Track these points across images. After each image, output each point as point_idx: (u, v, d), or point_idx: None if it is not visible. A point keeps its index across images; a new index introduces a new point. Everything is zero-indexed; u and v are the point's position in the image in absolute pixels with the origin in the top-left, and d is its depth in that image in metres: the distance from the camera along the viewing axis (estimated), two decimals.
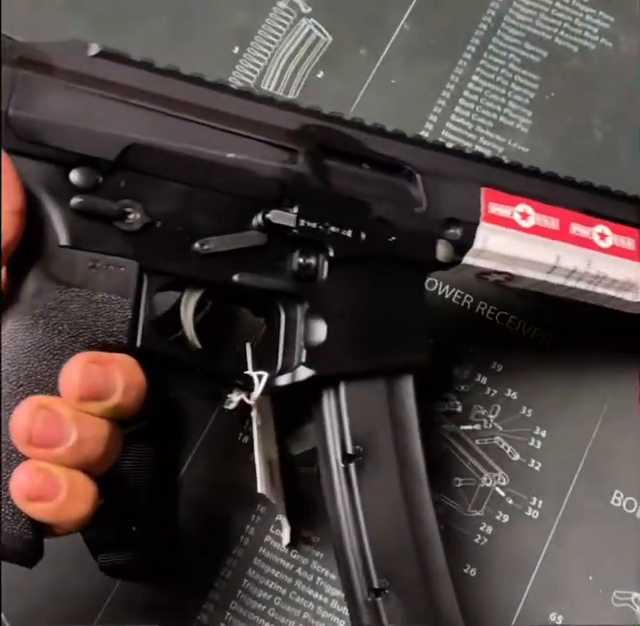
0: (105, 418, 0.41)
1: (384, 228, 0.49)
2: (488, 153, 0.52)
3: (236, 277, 0.46)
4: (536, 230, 0.52)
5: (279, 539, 0.56)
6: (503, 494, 0.58)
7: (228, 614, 0.55)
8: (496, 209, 0.51)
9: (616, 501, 0.58)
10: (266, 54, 0.69)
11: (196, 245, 0.45)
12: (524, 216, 0.52)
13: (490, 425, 0.59)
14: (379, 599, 0.46)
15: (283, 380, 0.47)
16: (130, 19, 0.68)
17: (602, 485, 0.58)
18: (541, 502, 0.57)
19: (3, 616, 0.55)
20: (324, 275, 0.48)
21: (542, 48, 0.69)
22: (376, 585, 0.46)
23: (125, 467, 0.53)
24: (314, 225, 0.47)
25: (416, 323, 0.50)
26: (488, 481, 0.58)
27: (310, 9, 0.70)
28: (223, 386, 0.48)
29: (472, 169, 0.52)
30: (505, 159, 0.54)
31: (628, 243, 0.54)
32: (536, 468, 0.58)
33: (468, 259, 0.51)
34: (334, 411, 0.48)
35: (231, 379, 0.47)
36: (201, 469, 0.58)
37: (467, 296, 0.62)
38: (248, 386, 0.47)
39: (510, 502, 0.57)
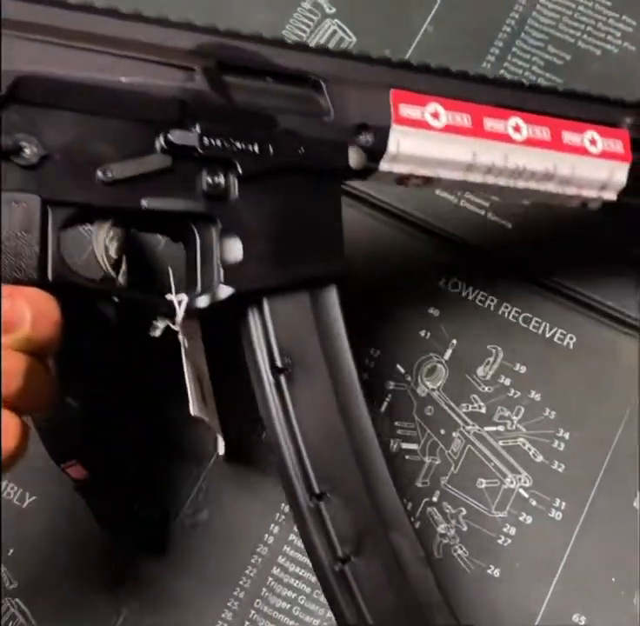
0: (21, 352, 0.41)
1: (292, 140, 0.49)
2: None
3: (144, 203, 0.45)
4: (449, 129, 0.51)
5: None
6: (526, 495, 0.58)
7: (252, 612, 0.55)
8: (407, 110, 0.51)
9: (638, 503, 0.58)
10: None
11: (99, 174, 0.44)
12: (435, 115, 0.51)
13: (514, 427, 0.59)
14: (321, 503, 0.47)
15: (202, 301, 0.47)
16: None
17: (624, 487, 0.58)
18: (564, 503, 0.58)
19: (25, 607, 0.55)
20: (235, 192, 0.47)
21: (565, 51, 0.69)
22: (316, 490, 0.47)
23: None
24: (219, 143, 0.47)
25: (332, 234, 0.50)
26: (511, 482, 0.58)
27: (334, 10, 0.70)
28: (146, 314, 0.48)
29: (379, 73, 0.51)
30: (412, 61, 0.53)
31: (543, 133, 0.54)
32: (560, 469, 0.58)
33: (383, 165, 0.51)
34: (259, 327, 0.48)
35: (152, 306, 0.47)
36: (225, 467, 0.58)
37: (491, 297, 0.62)
38: (171, 312, 0.47)
39: (534, 503, 0.58)
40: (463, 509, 0.57)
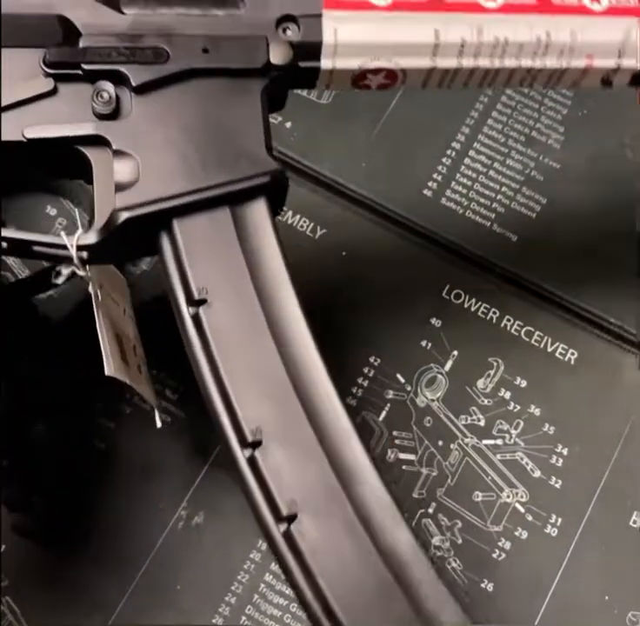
0: None
1: (193, 41, 0.43)
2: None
3: (27, 132, 0.41)
4: (398, 5, 0.44)
5: None
6: (522, 510, 0.58)
7: (243, 618, 0.55)
8: None
9: (634, 522, 0.58)
10: None
11: None
12: None
13: (512, 441, 0.59)
14: (256, 452, 0.40)
15: (93, 235, 0.42)
16: None
17: (621, 506, 0.58)
18: (560, 519, 0.57)
19: (15, 606, 0.55)
20: (130, 106, 0.43)
21: None
22: (249, 438, 0.40)
23: (39, 436, 0.53)
24: (105, 54, 0.42)
25: (254, 138, 0.43)
26: (508, 496, 0.58)
27: None
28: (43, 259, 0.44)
29: None
30: None
31: None
32: (557, 485, 0.58)
33: (325, 62, 0.44)
34: (171, 254, 0.42)
35: (43, 251, 0.43)
36: (221, 472, 0.58)
37: (493, 310, 0.62)
38: (69, 257, 0.42)
39: (530, 518, 0.57)
40: (458, 521, 0.57)
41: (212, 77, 0.44)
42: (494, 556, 0.57)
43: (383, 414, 0.59)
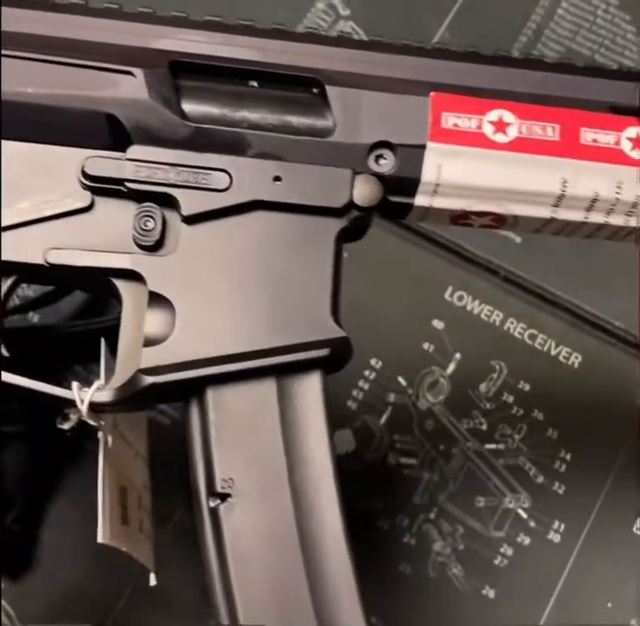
0: None
1: (266, 168, 0.37)
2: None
3: (50, 257, 0.35)
4: (522, 145, 0.37)
5: None
6: (525, 516, 0.57)
7: None
8: (454, 120, 0.37)
9: (638, 529, 0.57)
10: None
11: None
12: (500, 126, 0.37)
13: (515, 445, 0.58)
14: None
15: (107, 395, 0.36)
16: None
17: (625, 512, 0.57)
18: (563, 525, 0.57)
19: (9, 609, 0.54)
20: (175, 240, 0.36)
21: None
22: None
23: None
24: (157, 173, 0.36)
25: (317, 295, 0.37)
26: (510, 502, 0.57)
27: (348, 12, 0.69)
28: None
29: (413, 69, 0.38)
30: (470, 49, 0.39)
31: None
32: (560, 491, 0.58)
33: (421, 199, 0.38)
34: (199, 429, 0.36)
35: (48, 399, 0.36)
36: None
37: (496, 312, 0.61)
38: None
39: (532, 524, 0.57)
40: (459, 527, 0.56)
41: (280, 212, 0.37)
42: (496, 562, 0.56)
43: (384, 417, 0.58)
